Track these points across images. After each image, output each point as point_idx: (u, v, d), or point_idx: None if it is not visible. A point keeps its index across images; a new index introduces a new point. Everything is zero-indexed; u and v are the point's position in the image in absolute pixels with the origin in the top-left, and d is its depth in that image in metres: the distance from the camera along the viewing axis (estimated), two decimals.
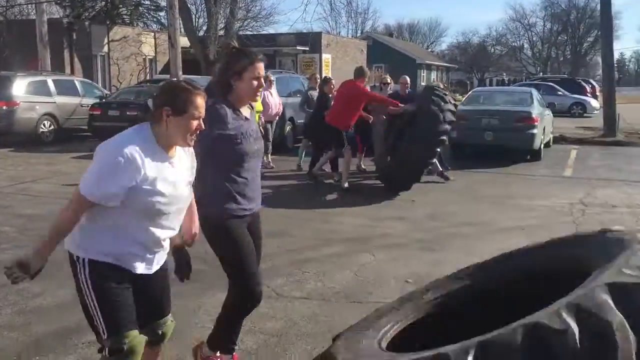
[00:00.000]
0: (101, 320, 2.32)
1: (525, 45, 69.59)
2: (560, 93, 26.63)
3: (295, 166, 10.55)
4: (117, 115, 14.01)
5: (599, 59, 32.33)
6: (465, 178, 9.92)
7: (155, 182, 2.31)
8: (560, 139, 15.60)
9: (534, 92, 13.47)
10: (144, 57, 25.83)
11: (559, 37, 68.42)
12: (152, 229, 2.38)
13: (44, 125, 14.53)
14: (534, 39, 69.20)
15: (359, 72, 8.64)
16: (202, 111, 2.41)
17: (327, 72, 30.08)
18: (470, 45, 69.58)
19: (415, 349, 2.27)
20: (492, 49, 69.15)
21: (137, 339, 2.35)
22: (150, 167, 2.30)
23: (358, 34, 57.61)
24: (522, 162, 11.64)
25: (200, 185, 2.74)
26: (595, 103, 26.72)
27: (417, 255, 5.62)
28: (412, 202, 8.00)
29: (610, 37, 17.14)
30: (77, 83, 15.99)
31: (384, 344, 2.45)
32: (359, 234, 6.26)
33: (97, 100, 15.38)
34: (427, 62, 50.05)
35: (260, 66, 2.92)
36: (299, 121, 13.15)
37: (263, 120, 10.15)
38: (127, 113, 13.92)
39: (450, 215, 7.33)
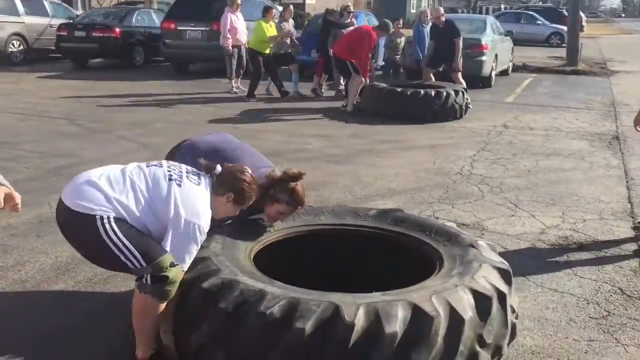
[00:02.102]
0: (137, 255, 2.40)
1: None
2: (539, 22, 26.57)
3: (287, 92, 10.73)
4: (84, 37, 14.29)
5: None
6: None
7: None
8: (521, 68, 15.94)
9: (490, 20, 13.70)
10: None
11: None
12: None
13: (13, 45, 14.76)
14: None
15: (381, 26, 9.58)
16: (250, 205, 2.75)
17: None
18: None
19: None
20: None
21: (178, 266, 2.45)
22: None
23: None
24: (473, 88, 12.05)
25: None
26: None
27: (323, 166, 6.19)
28: (344, 112, 8.56)
29: None
30: (46, 3, 16.05)
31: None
32: (276, 149, 6.80)
33: (66, 21, 15.55)
34: None
35: None
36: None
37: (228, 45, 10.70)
38: (93, 34, 14.19)
39: (373, 134, 7.87)
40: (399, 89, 8.85)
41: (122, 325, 2.82)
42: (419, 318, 2.24)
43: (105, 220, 2.40)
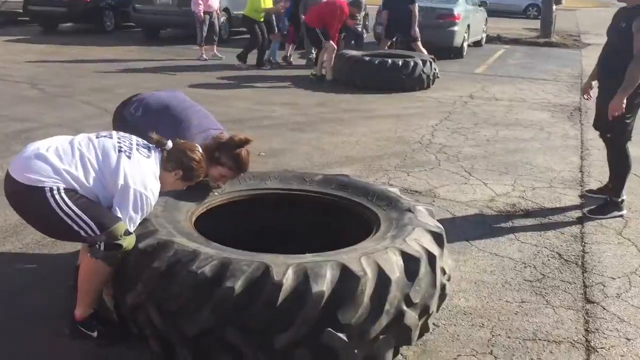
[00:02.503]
0: (91, 223, 2.42)
1: None
2: None
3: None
4: (52, 0, 13.95)
5: None
6: None
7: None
8: (495, 39, 15.98)
9: None
10: None
11: None
12: None
13: None
14: None
15: (356, 3, 9.45)
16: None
17: None
18: None
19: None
20: None
21: (131, 234, 2.47)
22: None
23: None
24: (444, 59, 12.08)
25: None
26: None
27: (285, 134, 6.22)
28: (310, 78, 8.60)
29: None
30: None
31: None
32: (240, 116, 6.81)
33: None
34: None
35: None
36: (234, 12, 13.28)
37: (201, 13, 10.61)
38: None
39: (339, 102, 7.89)
40: (367, 58, 8.84)
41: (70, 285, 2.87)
42: (347, 278, 2.30)
43: (55, 192, 2.40)
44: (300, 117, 7.01)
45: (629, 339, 2.84)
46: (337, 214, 3.18)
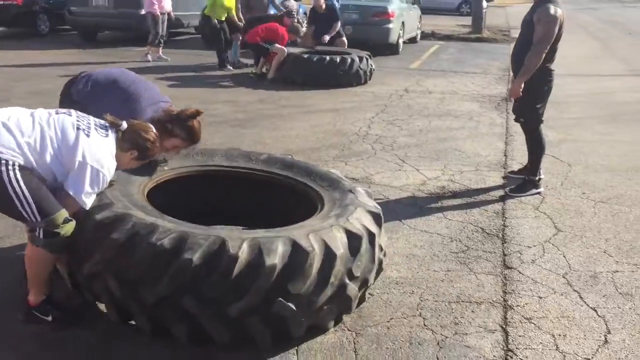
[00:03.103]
0: (34, 208, 2.49)
1: None
2: None
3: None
4: None
5: None
6: None
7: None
8: (430, 35, 16.56)
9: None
10: None
11: None
12: None
13: None
14: None
15: (292, 30, 9.51)
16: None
17: None
18: None
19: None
20: None
21: (71, 221, 2.57)
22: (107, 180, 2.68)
23: None
24: (381, 55, 12.49)
25: None
26: (484, 2, 27.67)
27: (227, 130, 6.39)
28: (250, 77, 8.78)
29: None
30: None
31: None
32: None
33: None
34: None
35: None
36: (175, 13, 13.27)
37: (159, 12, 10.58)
38: None
39: (279, 99, 8.12)
40: (306, 56, 9.10)
41: (19, 274, 2.98)
42: (297, 252, 2.51)
43: (11, 167, 2.45)
44: (241, 114, 7.19)
45: (541, 297, 3.19)
46: (282, 192, 3.37)
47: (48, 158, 2.56)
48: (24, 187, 2.47)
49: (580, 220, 4.21)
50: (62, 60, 10.77)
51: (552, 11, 4.27)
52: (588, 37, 18.26)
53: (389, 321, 2.93)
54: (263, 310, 2.47)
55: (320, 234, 2.63)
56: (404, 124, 6.86)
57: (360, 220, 2.83)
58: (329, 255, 2.58)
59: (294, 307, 2.48)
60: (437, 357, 2.65)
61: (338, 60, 8.96)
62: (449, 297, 3.15)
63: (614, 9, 34.63)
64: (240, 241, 2.48)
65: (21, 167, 2.49)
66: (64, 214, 2.55)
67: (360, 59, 9.20)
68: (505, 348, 2.73)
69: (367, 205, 3.02)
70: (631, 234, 3.97)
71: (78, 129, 2.63)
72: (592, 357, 2.67)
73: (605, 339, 2.81)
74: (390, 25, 12.27)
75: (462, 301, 3.12)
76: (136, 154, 2.78)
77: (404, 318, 2.95)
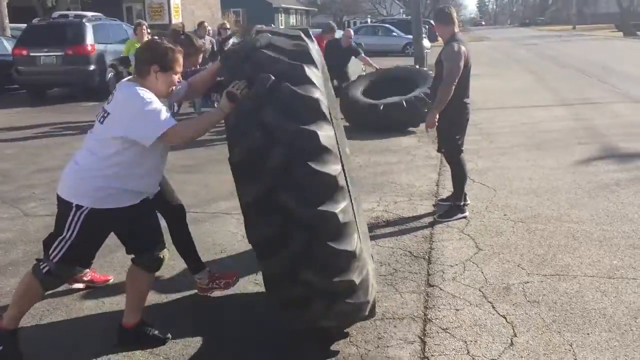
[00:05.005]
0: (64, 251, 2.71)
1: None
2: (395, 34, 28.56)
3: None
4: None
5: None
6: None
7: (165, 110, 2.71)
8: None
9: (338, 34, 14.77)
10: None
11: None
12: (159, 166, 2.90)
13: None
14: None
15: (328, 28, 9.83)
16: (181, 67, 2.85)
17: (177, 17, 29.92)
18: None
19: None
20: None
21: (71, 277, 2.96)
22: (157, 101, 2.71)
23: None
24: None
25: None
26: (427, 43, 28.90)
27: (174, 176, 6.55)
28: None
29: None
30: None
31: None
32: None
33: None
34: (285, 5, 50.54)
35: None
36: (122, 68, 13.56)
37: None
38: None
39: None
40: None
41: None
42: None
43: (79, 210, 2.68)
44: (188, 160, 7.44)
45: (457, 309, 3.49)
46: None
47: (103, 170, 2.71)
48: (77, 229, 2.71)
49: (500, 239, 4.57)
50: (10, 119, 10.89)
51: (455, 48, 4.74)
52: (523, 70, 19.26)
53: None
54: None
55: None
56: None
57: None
58: None
59: None
60: None
61: None
62: (375, 315, 3.42)
63: (553, 43, 36.50)
64: None
65: (92, 211, 2.72)
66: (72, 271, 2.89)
67: None
68: (422, 356, 3.00)
69: None
70: (543, 249, 4.34)
71: (91, 132, 2.82)
72: (498, 358, 2.96)
73: (511, 341, 3.11)
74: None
75: (387, 318, 3.39)
76: (157, 67, 2.76)
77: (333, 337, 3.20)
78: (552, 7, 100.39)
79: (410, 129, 9.13)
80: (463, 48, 4.78)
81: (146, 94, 2.70)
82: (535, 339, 3.13)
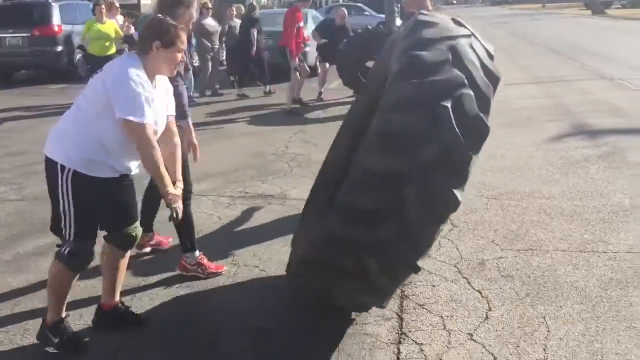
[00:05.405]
0: (72, 224, 2.67)
1: None
2: (367, 13, 28.40)
3: None
4: None
5: None
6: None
7: (150, 103, 2.62)
8: None
9: (311, 12, 14.73)
10: None
11: None
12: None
13: None
14: None
15: None
16: (185, 44, 2.80)
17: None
18: None
19: None
20: None
21: (93, 253, 2.78)
22: (148, 89, 2.64)
23: None
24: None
25: None
26: (399, 21, 28.88)
27: None
28: None
29: None
30: None
31: None
32: None
33: None
34: None
35: None
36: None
37: None
38: None
39: (201, 125, 8.33)
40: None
41: None
42: None
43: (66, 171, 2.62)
44: None
45: (433, 285, 3.54)
46: None
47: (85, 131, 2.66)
48: (71, 199, 2.66)
49: (474, 215, 4.63)
50: None
51: None
52: (495, 49, 19.34)
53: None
54: None
55: None
56: (319, 143, 7.21)
57: None
58: None
59: None
60: (338, 346, 2.93)
61: None
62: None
63: (523, 21, 36.75)
64: None
65: (75, 173, 2.66)
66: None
67: None
68: (399, 332, 3.05)
69: None
70: (516, 224, 4.42)
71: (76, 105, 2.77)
72: (474, 332, 3.02)
73: (487, 315, 3.18)
74: (307, 49, 12.70)
75: None
76: (159, 43, 2.72)
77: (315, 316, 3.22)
78: None
79: None
80: None
81: (141, 77, 2.63)
82: (509, 312, 3.20)
